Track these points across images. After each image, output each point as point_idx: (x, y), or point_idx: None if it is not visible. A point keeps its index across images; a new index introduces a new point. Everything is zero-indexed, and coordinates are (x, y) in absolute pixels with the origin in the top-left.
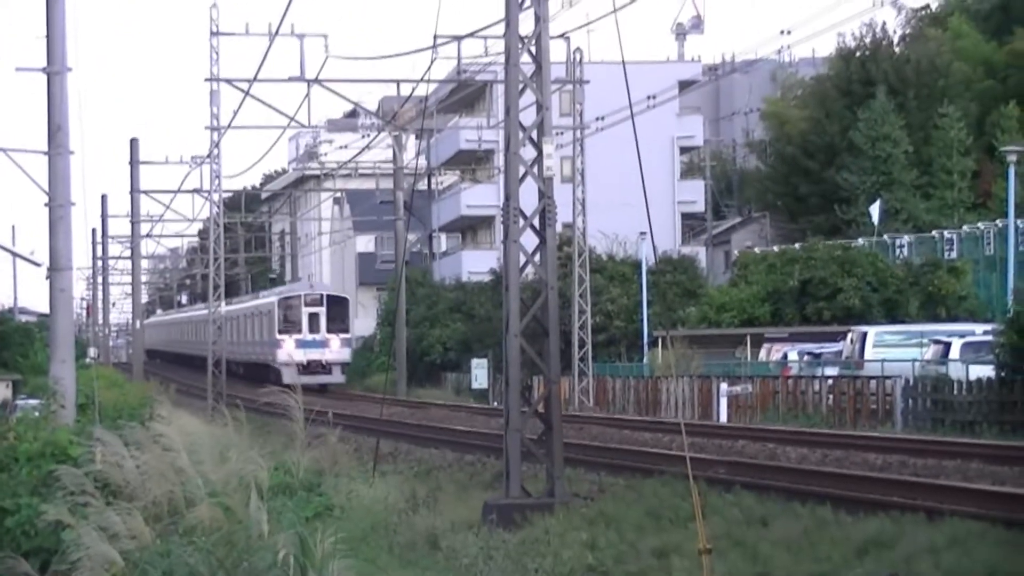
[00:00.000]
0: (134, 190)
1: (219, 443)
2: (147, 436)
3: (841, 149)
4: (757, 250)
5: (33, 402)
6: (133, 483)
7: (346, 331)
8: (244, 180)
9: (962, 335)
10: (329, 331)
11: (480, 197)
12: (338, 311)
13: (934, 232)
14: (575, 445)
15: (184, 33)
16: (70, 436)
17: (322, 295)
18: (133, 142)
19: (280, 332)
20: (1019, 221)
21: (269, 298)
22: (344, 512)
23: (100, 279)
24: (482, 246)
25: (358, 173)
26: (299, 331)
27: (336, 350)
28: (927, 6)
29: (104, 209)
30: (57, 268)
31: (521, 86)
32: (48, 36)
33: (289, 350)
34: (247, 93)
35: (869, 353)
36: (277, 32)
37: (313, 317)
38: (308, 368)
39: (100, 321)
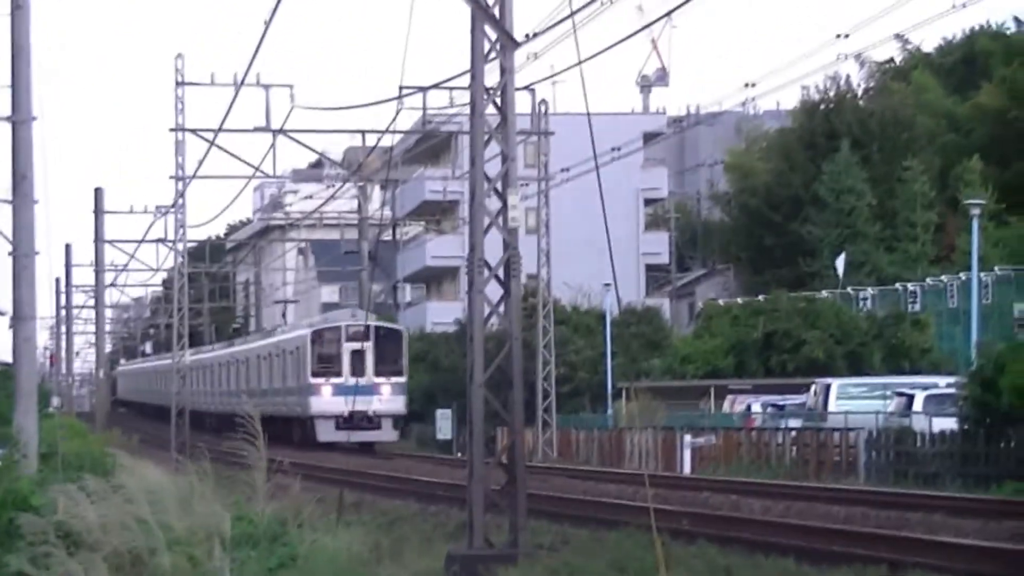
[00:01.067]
0: (98, 239)
1: (182, 493)
2: (109, 486)
3: (805, 201)
4: (721, 302)
5: None
6: (95, 533)
7: (400, 373)
8: (209, 230)
9: (925, 387)
10: (378, 373)
11: (445, 248)
12: (390, 348)
13: (898, 285)
14: (539, 496)
15: (149, 83)
16: (32, 486)
17: (368, 327)
18: (97, 191)
19: (314, 375)
20: (982, 274)
21: (298, 331)
22: (307, 562)
23: (64, 328)
24: (446, 297)
25: (323, 223)
26: (338, 374)
27: (387, 398)
28: (891, 60)
29: (68, 258)
30: (21, 317)
31: (486, 137)
32: (13, 85)
33: (326, 398)
34: (212, 143)
35: (833, 405)
36: (243, 82)
37: (357, 355)
38: (351, 421)
39: (64, 370)
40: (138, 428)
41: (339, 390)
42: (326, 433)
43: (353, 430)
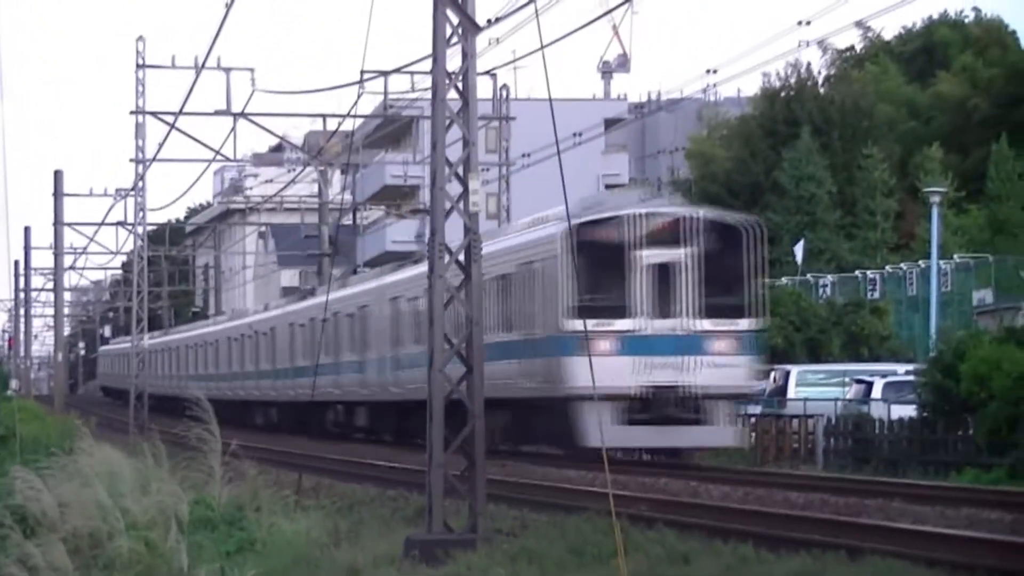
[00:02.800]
0: (57, 222)
1: (140, 476)
2: (67, 469)
3: (765, 189)
4: None
5: None
6: (52, 516)
7: (742, 312)
8: (168, 213)
9: (884, 375)
10: (708, 313)
11: (405, 232)
12: (728, 262)
13: (857, 272)
14: (498, 481)
15: (110, 65)
16: None
17: (680, 219)
18: (57, 174)
19: (579, 313)
20: (941, 262)
21: (536, 230)
22: (265, 546)
23: (22, 311)
24: None
25: (283, 207)
26: (624, 312)
27: (724, 360)
28: (852, 47)
29: (27, 241)
30: None
31: (447, 122)
32: None
33: (605, 362)
34: (172, 126)
35: (792, 392)
36: (204, 65)
37: (663, 275)
38: (651, 407)
39: (22, 354)
40: (97, 412)
41: (629, 345)
42: (608, 430)
43: (657, 424)
